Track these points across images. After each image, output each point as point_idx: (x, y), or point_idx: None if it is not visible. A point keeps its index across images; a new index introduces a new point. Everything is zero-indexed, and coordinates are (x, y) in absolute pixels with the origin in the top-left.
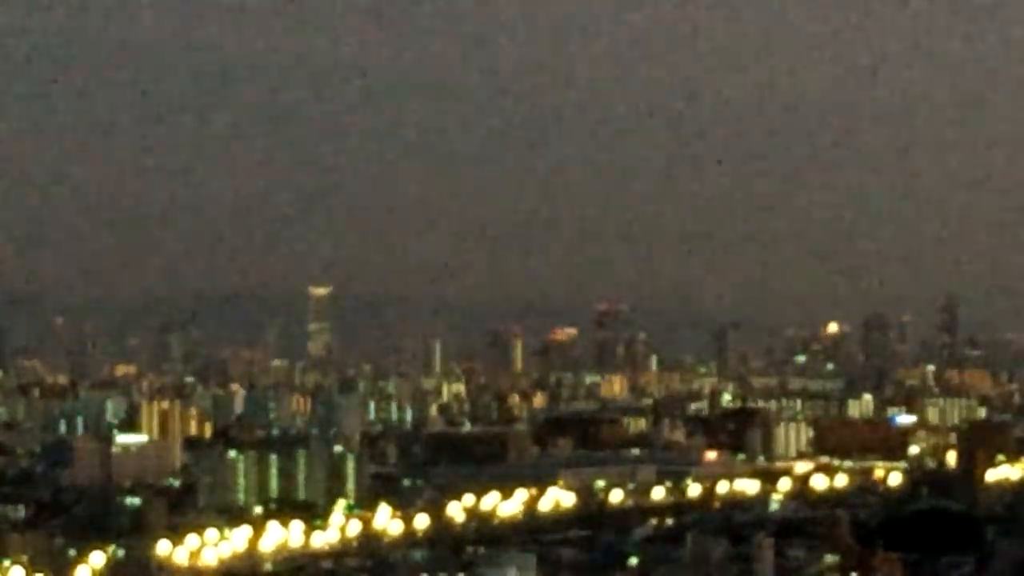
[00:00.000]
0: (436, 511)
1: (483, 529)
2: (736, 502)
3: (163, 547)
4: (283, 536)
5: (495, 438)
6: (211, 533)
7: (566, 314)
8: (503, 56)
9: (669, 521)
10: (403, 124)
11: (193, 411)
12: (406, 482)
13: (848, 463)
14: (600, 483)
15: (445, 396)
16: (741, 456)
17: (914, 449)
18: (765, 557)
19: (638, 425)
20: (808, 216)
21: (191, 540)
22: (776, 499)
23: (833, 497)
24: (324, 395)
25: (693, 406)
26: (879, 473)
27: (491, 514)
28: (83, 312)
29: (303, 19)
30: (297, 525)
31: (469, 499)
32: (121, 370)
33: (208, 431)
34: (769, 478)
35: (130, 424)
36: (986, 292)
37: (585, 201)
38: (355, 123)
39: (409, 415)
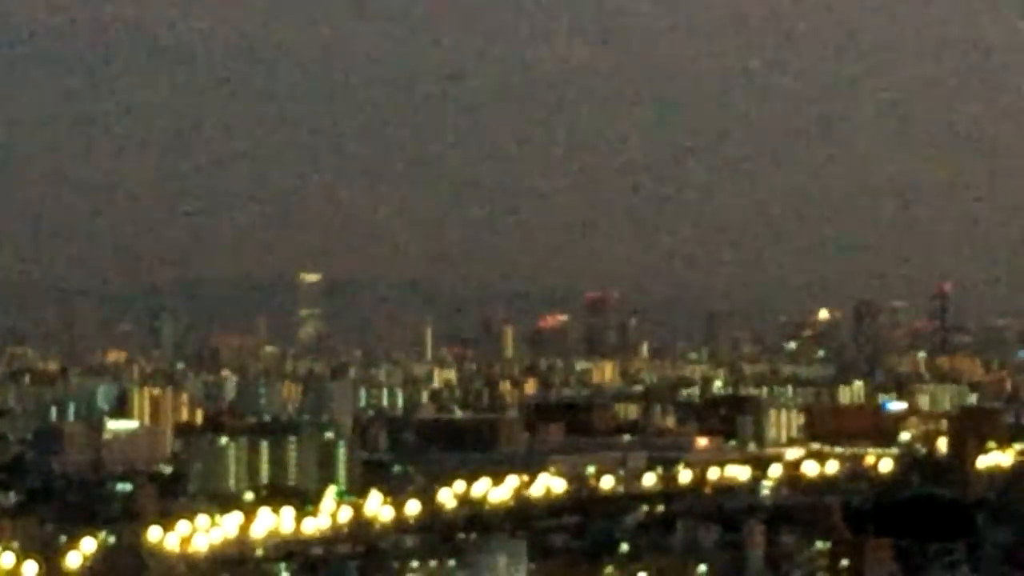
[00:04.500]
0: (427, 497)
1: (474, 515)
2: (727, 488)
3: (154, 533)
4: (274, 522)
5: (486, 424)
6: (202, 519)
7: (557, 300)
8: (498, 48)
9: (660, 507)
10: (394, 111)
11: (184, 397)
12: (397, 468)
13: (839, 449)
14: (591, 469)
15: (436, 382)
16: (732, 442)
17: (905, 435)
18: (756, 543)
19: (629, 411)
20: (799, 203)
21: (182, 526)
22: (767, 485)
23: (824, 483)
24: (315, 381)
25: (684, 392)
26: (870, 459)
27: (482, 500)
28: (74, 298)
29: (302, 8)
30: (288, 511)
31: (460, 485)
32: (112, 356)
33: (199, 417)
34: (760, 464)
35: (121, 410)
36: (977, 278)
37: (576, 187)
38: (345, 108)
39: (400, 401)
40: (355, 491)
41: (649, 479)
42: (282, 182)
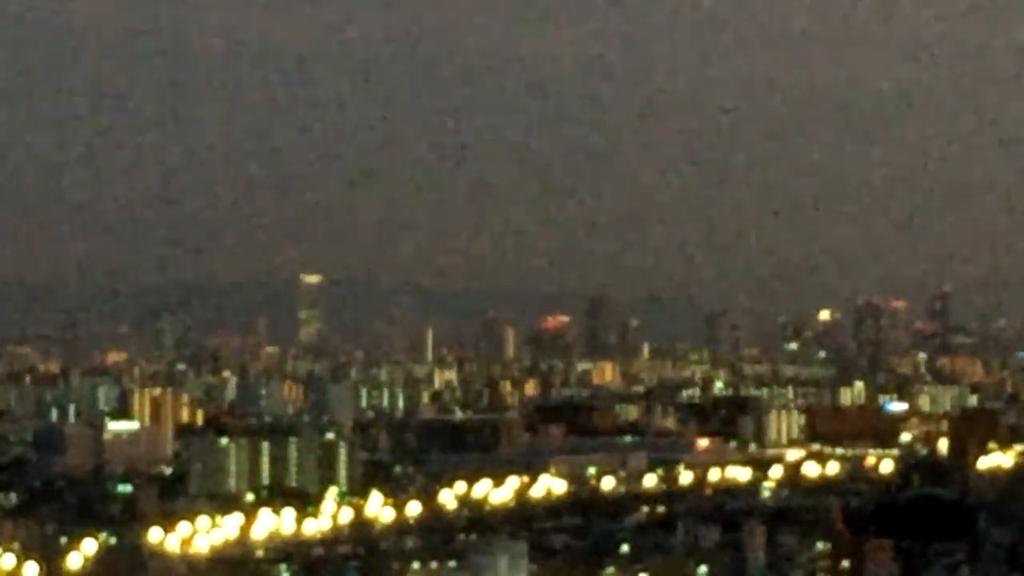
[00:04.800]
0: (428, 498)
1: (475, 516)
2: (728, 489)
3: (155, 534)
4: (275, 523)
5: (487, 425)
6: (203, 520)
7: (557, 301)
8: (494, 43)
9: (661, 508)
10: (393, 110)
11: (185, 398)
12: (398, 469)
13: (840, 450)
14: (592, 470)
15: (437, 383)
16: (733, 443)
17: (906, 436)
18: (757, 544)
19: (630, 412)
20: (800, 203)
21: (183, 527)
22: (768, 486)
23: (825, 484)
24: (316, 382)
25: (685, 393)
26: (871, 460)
27: (483, 501)
28: (75, 299)
29: (300, 8)
30: (289, 512)
31: (461, 486)
32: (113, 357)
33: (199, 418)
34: (761, 465)
35: (122, 411)
36: (978, 279)
37: (577, 187)
38: (347, 110)
39: (401, 402)
40: (356, 492)
41: (650, 480)
42: (282, 183)
